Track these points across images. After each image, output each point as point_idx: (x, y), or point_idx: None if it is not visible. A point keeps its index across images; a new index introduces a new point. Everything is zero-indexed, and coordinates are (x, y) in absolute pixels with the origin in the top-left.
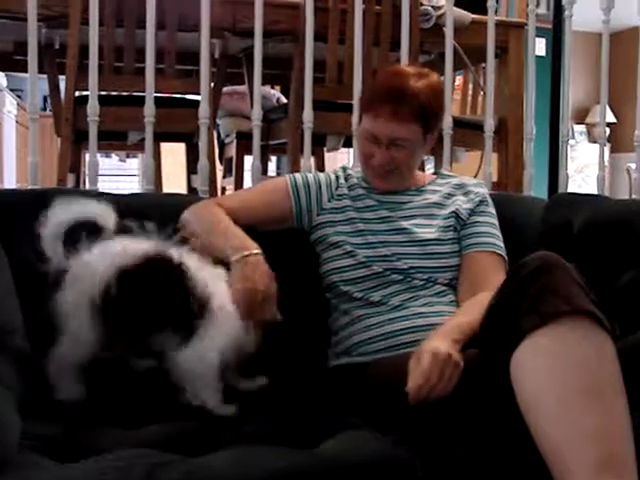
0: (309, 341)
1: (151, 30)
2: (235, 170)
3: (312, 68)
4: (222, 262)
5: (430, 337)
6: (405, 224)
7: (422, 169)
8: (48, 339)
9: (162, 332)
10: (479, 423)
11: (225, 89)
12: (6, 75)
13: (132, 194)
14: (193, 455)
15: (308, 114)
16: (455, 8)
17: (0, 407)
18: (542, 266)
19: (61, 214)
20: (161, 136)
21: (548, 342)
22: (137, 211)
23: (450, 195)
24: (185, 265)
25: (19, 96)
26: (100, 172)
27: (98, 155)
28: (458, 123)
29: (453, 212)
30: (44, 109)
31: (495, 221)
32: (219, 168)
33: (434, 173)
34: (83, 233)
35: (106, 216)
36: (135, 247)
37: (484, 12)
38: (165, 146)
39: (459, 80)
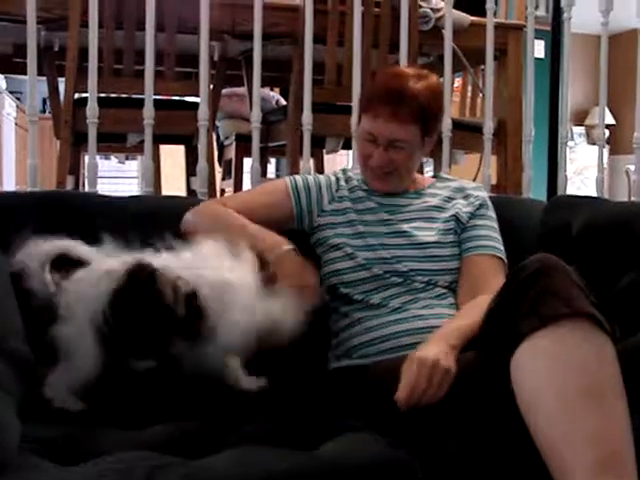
0: (309, 343)
1: (150, 32)
2: (234, 172)
3: (311, 70)
4: None
5: (427, 341)
6: (405, 227)
7: (421, 172)
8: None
9: (170, 342)
10: (479, 425)
11: (224, 91)
12: (5, 77)
13: (131, 196)
14: (194, 457)
15: (307, 116)
16: (454, 10)
17: (0, 410)
18: (541, 268)
19: (41, 248)
20: (160, 138)
21: (548, 344)
22: (136, 213)
23: (450, 198)
24: (160, 271)
25: (18, 98)
26: (99, 174)
27: (97, 157)
28: (457, 125)
29: (453, 215)
30: (43, 111)
31: (495, 224)
32: (218, 170)
33: (434, 176)
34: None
35: (79, 248)
36: (113, 265)
37: (483, 14)
38: (164, 148)
39: (458, 82)
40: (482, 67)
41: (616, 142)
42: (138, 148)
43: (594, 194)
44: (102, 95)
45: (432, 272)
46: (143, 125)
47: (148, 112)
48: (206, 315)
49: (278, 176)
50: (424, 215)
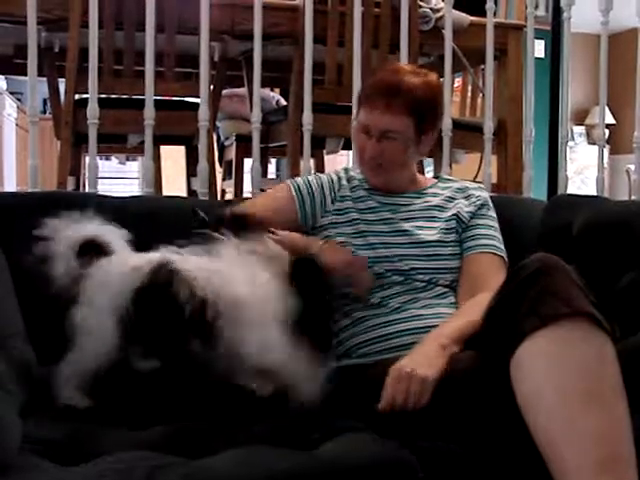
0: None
1: (150, 33)
2: (235, 172)
3: (311, 70)
4: None
5: (419, 342)
6: (406, 226)
7: (422, 172)
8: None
9: (183, 343)
10: (479, 425)
11: (225, 92)
12: (6, 78)
13: (132, 197)
14: (194, 457)
15: (308, 116)
16: (454, 10)
17: (1, 410)
18: (541, 268)
19: (72, 233)
20: (161, 139)
21: (548, 344)
22: (137, 214)
23: (451, 199)
24: (180, 275)
25: (19, 99)
26: (100, 175)
27: (98, 158)
28: (457, 125)
29: (454, 215)
30: (44, 112)
31: (496, 224)
32: (219, 171)
33: (435, 177)
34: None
35: (113, 235)
36: (139, 262)
37: (483, 14)
38: (165, 149)
39: (458, 82)
40: (482, 67)
41: (616, 142)
42: (138, 149)
43: (594, 193)
44: (102, 96)
45: (433, 271)
46: (143, 126)
47: (148, 113)
48: (216, 323)
49: (278, 176)
50: (425, 214)
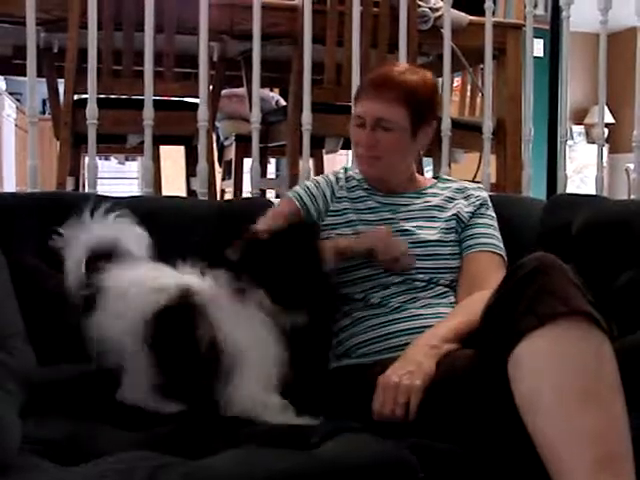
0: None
1: (149, 33)
2: (234, 172)
3: (310, 70)
4: None
5: (413, 343)
6: (407, 226)
7: (421, 172)
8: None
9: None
10: (477, 424)
11: (224, 92)
12: (5, 79)
13: (131, 197)
14: (194, 457)
15: (307, 116)
16: (453, 10)
17: (1, 410)
18: (539, 267)
19: (87, 236)
20: (160, 139)
21: (545, 343)
22: (136, 214)
23: (451, 199)
24: (199, 308)
25: (18, 99)
26: (99, 175)
27: (97, 158)
28: (456, 124)
29: (454, 215)
30: (43, 112)
31: (495, 223)
32: (218, 171)
33: (435, 177)
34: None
35: (138, 241)
36: (162, 282)
37: (482, 13)
38: (164, 149)
39: (457, 82)
40: (481, 66)
41: (615, 141)
42: (138, 149)
43: (594, 193)
44: (102, 96)
45: (433, 270)
46: (143, 126)
47: (148, 113)
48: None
49: (278, 176)
50: (425, 214)
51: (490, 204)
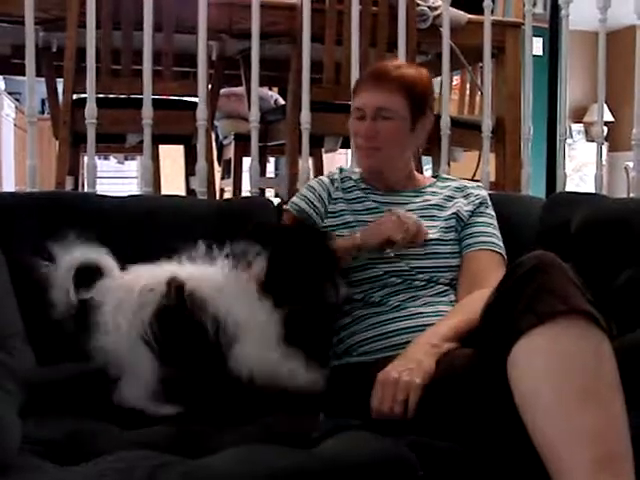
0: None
1: (148, 32)
2: (233, 171)
3: (309, 69)
4: None
5: (413, 341)
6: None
7: (420, 171)
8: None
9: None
10: (476, 422)
11: (223, 91)
12: (4, 78)
13: (131, 196)
14: (194, 456)
15: (306, 115)
16: (451, 8)
17: (1, 410)
18: (538, 265)
19: (69, 259)
20: (159, 138)
21: (545, 341)
22: (136, 213)
23: (451, 198)
24: (194, 294)
25: (17, 99)
26: (98, 175)
27: (96, 158)
28: (456, 123)
29: (454, 214)
30: (42, 112)
31: (494, 222)
32: (217, 170)
33: (434, 176)
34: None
35: (107, 261)
36: (149, 281)
37: (480, 12)
38: (163, 148)
39: (456, 80)
40: (480, 65)
41: (615, 139)
42: (137, 148)
43: (593, 191)
44: (101, 95)
45: (433, 269)
46: (142, 125)
47: (147, 112)
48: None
49: (277, 175)
50: (425, 213)
51: (489, 203)
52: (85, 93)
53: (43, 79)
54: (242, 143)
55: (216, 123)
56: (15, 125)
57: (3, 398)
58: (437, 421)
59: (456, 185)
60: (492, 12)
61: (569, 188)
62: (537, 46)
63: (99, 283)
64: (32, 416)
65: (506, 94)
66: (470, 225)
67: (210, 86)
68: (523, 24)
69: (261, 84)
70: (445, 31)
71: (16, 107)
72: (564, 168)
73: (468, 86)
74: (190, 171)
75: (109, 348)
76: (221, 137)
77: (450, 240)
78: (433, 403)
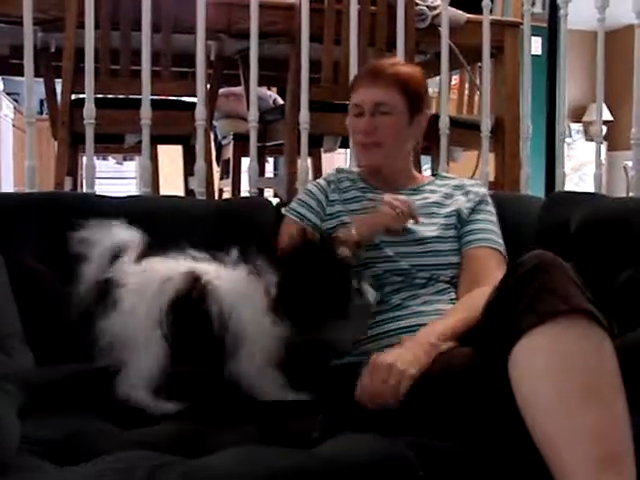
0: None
1: (147, 32)
2: (232, 172)
3: (308, 69)
4: None
5: (411, 338)
6: (409, 224)
7: (419, 170)
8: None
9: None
10: (477, 422)
11: (221, 91)
12: (2, 79)
13: (129, 197)
14: (194, 456)
15: (304, 115)
16: (450, 8)
17: (0, 411)
18: (539, 265)
19: (105, 238)
20: (158, 138)
21: (546, 341)
22: (134, 214)
23: (450, 195)
24: (210, 287)
25: (16, 100)
26: (97, 175)
27: (95, 158)
28: (455, 123)
29: (454, 211)
30: (41, 112)
31: (494, 219)
32: (216, 170)
33: (433, 175)
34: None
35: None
36: (169, 271)
37: (479, 12)
38: (162, 148)
39: (455, 80)
40: (479, 64)
41: (614, 138)
42: (136, 148)
43: (592, 190)
44: (99, 96)
45: (433, 267)
46: (140, 125)
47: (145, 112)
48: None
49: (276, 175)
50: (424, 211)
51: (489, 200)
52: (84, 93)
53: (41, 79)
54: (241, 143)
55: (215, 123)
56: (13, 126)
57: (2, 398)
58: (437, 421)
59: (455, 183)
60: (491, 11)
61: (568, 187)
62: (536, 45)
63: (122, 264)
64: (31, 416)
65: (505, 94)
66: (470, 222)
67: (209, 86)
68: (522, 23)
69: (260, 84)
70: (444, 30)
71: (14, 108)
72: (563, 167)
73: (467, 86)
74: (189, 171)
75: (119, 328)
76: (220, 137)
77: (450, 237)
78: (433, 402)
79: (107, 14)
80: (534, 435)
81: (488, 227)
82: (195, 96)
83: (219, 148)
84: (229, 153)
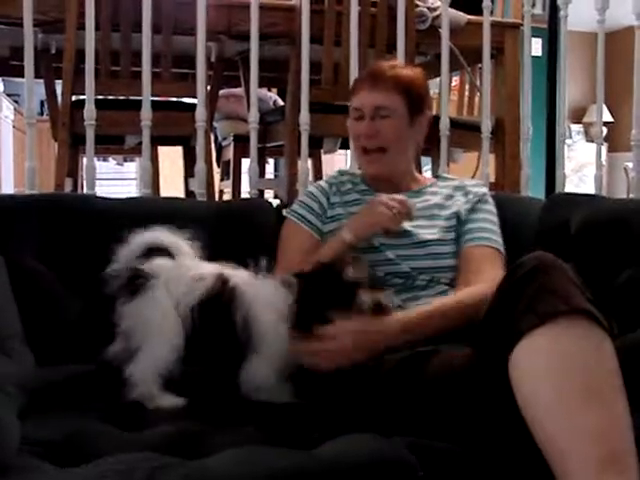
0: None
1: (147, 34)
2: (232, 173)
3: (308, 70)
4: None
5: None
6: (407, 226)
7: (420, 171)
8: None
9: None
10: (478, 423)
11: (222, 92)
12: (3, 80)
13: (130, 198)
14: (194, 457)
15: (305, 116)
16: (450, 9)
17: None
18: (539, 266)
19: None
20: (158, 140)
21: (546, 342)
22: (135, 215)
23: (451, 196)
24: (238, 289)
25: (16, 101)
26: (98, 176)
27: (95, 159)
28: (455, 124)
29: (454, 213)
30: (41, 114)
31: (493, 217)
32: (216, 171)
33: (435, 176)
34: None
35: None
36: (201, 271)
37: (480, 13)
38: (162, 149)
39: (456, 81)
40: (479, 66)
41: (614, 139)
42: (136, 150)
43: (592, 192)
44: (100, 97)
45: (434, 270)
46: (141, 127)
47: (146, 114)
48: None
49: (276, 176)
50: (425, 213)
51: (489, 199)
52: (84, 95)
53: (42, 81)
54: (241, 144)
55: (215, 124)
56: (14, 127)
57: (2, 399)
58: (437, 421)
59: (456, 184)
60: (491, 13)
61: (568, 189)
62: (536, 47)
63: (156, 260)
64: (31, 417)
65: (505, 95)
66: (467, 222)
67: (209, 87)
68: (522, 25)
69: (260, 85)
70: (444, 32)
71: (15, 109)
72: (563, 168)
73: (467, 87)
74: (189, 172)
75: (140, 312)
76: (220, 138)
77: (450, 240)
78: (433, 403)
79: (107, 15)
80: (535, 435)
81: (485, 225)
82: (195, 97)
83: (219, 149)
84: (229, 154)
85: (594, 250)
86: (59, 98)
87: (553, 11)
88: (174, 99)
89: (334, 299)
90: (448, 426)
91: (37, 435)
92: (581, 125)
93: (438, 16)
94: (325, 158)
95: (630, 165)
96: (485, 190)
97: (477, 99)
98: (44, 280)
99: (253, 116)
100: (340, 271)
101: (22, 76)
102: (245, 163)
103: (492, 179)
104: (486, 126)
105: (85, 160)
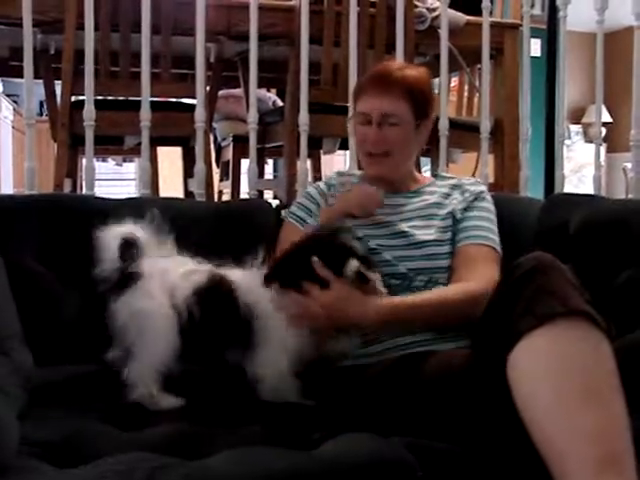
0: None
1: (146, 34)
2: (232, 173)
3: (307, 71)
4: None
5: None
6: (404, 227)
7: (419, 171)
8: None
9: (232, 347)
10: (476, 423)
11: (221, 92)
12: (2, 80)
13: (129, 198)
14: (193, 457)
15: (304, 117)
16: (450, 10)
17: None
18: (537, 267)
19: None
20: (157, 140)
21: (544, 343)
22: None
23: (448, 195)
24: (237, 283)
25: (15, 101)
26: (97, 177)
27: (95, 160)
28: (454, 124)
29: (450, 212)
30: (40, 114)
31: (489, 215)
32: (216, 171)
33: (433, 175)
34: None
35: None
36: (193, 266)
37: (479, 13)
38: (162, 150)
39: (455, 82)
40: (478, 66)
41: (613, 140)
42: (135, 150)
43: (591, 192)
44: (99, 98)
45: (432, 271)
46: (140, 127)
47: (145, 114)
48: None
49: (276, 177)
50: (423, 213)
51: (487, 197)
52: (83, 95)
53: (41, 81)
54: (240, 145)
55: (214, 125)
56: (13, 127)
57: (1, 399)
58: (436, 422)
59: (454, 182)
60: (490, 13)
61: (567, 189)
62: (535, 47)
63: (147, 256)
64: (31, 417)
65: (504, 95)
66: (463, 220)
67: (208, 88)
68: (521, 25)
69: (259, 86)
70: (443, 32)
71: (14, 109)
72: (562, 169)
73: (466, 87)
74: (188, 173)
75: (137, 307)
76: (219, 139)
77: (447, 240)
78: (432, 403)
79: (107, 16)
80: (533, 436)
81: (479, 224)
82: (195, 98)
83: (219, 150)
84: (229, 155)
85: (593, 250)
86: (58, 99)
87: (552, 11)
88: (173, 100)
89: (324, 260)
90: (447, 426)
91: (36, 435)
92: (580, 126)
93: (437, 16)
94: (324, 158)
95: (629, 165)
96: (482, 188)
97: (476, 99)
98: (43, 280)
99: (252, 117)
100: (332, 236)
101: (21, 76)
102: (244, 163)
103: (491, 180)
104: (485, 126)
105: (84, 160)
